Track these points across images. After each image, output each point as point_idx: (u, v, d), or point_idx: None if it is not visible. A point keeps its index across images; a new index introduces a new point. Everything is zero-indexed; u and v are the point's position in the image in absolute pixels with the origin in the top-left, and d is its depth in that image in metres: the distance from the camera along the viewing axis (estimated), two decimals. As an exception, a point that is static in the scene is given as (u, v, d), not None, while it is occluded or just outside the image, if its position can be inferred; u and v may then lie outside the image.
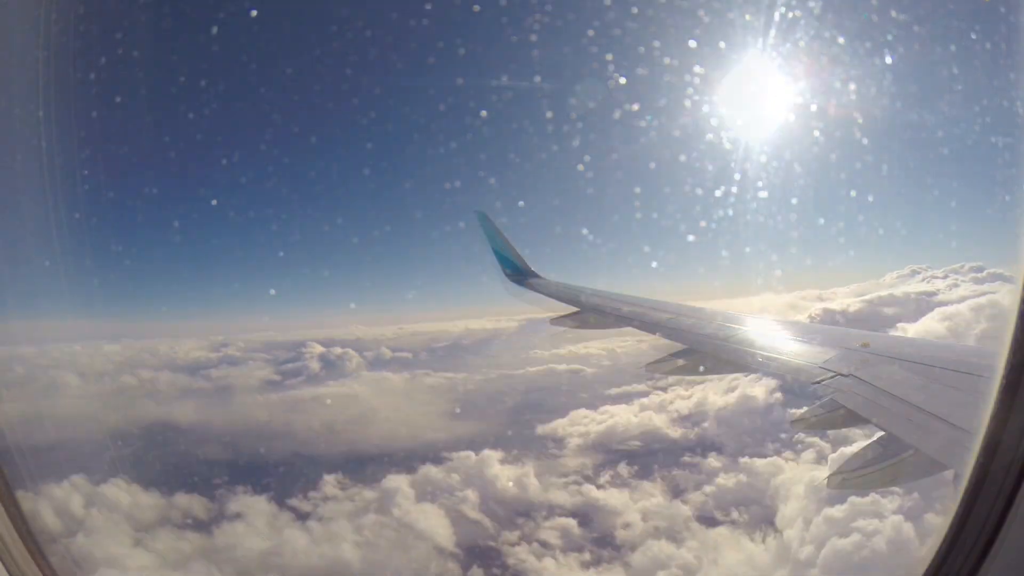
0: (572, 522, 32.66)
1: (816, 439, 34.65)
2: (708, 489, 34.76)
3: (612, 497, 34.58)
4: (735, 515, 32.68)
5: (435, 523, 32.00)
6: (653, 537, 31.22)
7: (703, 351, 5.95)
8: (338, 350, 56.01)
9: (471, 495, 33.92)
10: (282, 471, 36.07)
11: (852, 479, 3.71)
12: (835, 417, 4.14)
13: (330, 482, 35.14)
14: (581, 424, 41.75)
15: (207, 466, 36.02)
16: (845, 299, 53.00)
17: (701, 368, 5.96)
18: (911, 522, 24.64)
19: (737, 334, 6.04)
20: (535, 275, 9.75)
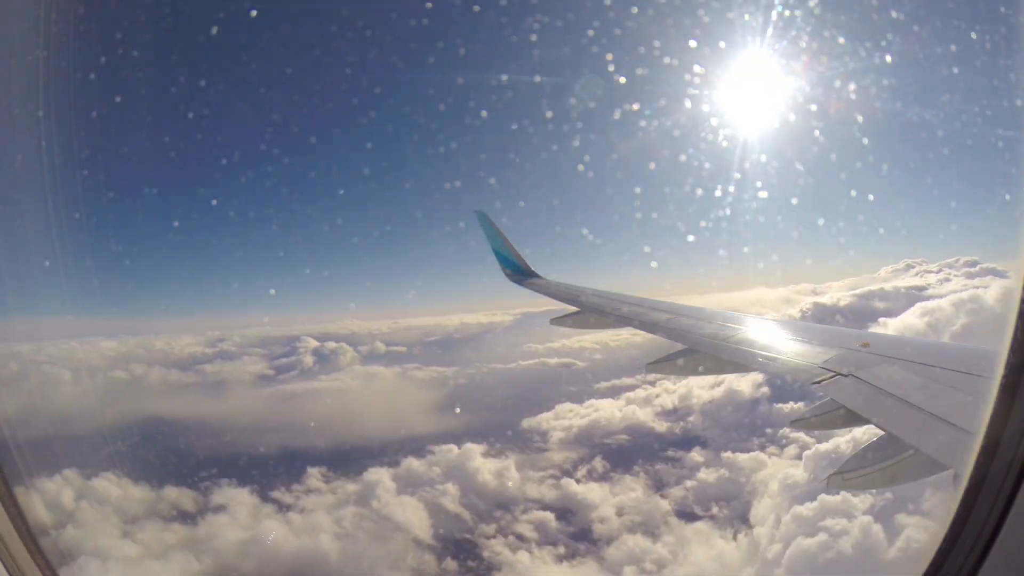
0: (550, 516, 32.94)
1: (801, 435, 34.55)
2: (689, 484, 34.77)
3: (591, 491, 34.76)
4: (715, 510, 32.76)
5: (413, 515, 32.46)
6: (629, 532, 31.41)
7: (703, 351, 5.99)
8: (332, 345, 56.81)
9: (451, 488, 34.31)
10: (268, 464, 36.77)
11: (852, 479, 3.71)
12: (835, 417, 4.15)
13: (314, 475, 35.78)
14: (565, 418, 42.01)
15: (196, 460, 36.86)
16: (837, 293, 52.62)
17: (701, 368, 5.99)
18: (880, 523, 24.47)
19: (737, 334, 6.04)
20: (535, 275, 9.74)
